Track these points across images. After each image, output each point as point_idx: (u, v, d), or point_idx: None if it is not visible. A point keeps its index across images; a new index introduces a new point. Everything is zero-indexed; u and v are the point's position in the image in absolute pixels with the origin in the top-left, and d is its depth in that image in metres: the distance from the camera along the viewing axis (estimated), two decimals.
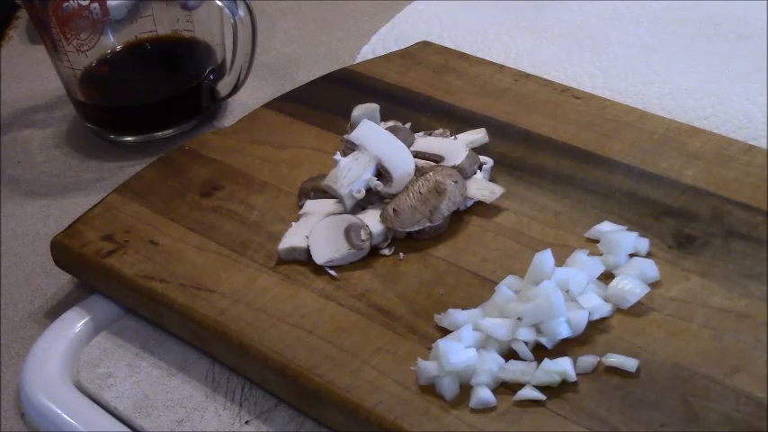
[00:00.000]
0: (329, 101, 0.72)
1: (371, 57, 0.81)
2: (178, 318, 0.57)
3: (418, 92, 0.73)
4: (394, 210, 0.59)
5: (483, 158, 0.64)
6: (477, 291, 0.55)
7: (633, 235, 0.56)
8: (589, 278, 0.54)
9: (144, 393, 0.56)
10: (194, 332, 0.57)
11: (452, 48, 0.79)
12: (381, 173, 0.61)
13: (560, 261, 0.55)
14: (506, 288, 0.53)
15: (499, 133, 0.67)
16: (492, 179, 0.63)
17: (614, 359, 0.50)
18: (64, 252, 0.64)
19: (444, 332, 0.53)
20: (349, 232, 0.59)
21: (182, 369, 0.57)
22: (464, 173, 0.61)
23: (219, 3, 0.72)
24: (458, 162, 0.62)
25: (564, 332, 0.51)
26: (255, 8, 0.72)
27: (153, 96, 0.77)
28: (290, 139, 0.70)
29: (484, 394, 0.49)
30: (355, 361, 0.52)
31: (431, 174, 0.60)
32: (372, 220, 0.60)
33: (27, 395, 0.57)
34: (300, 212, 0.62)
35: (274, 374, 0.53)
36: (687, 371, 0.49)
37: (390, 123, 0.66)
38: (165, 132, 0.78)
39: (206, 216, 0.64)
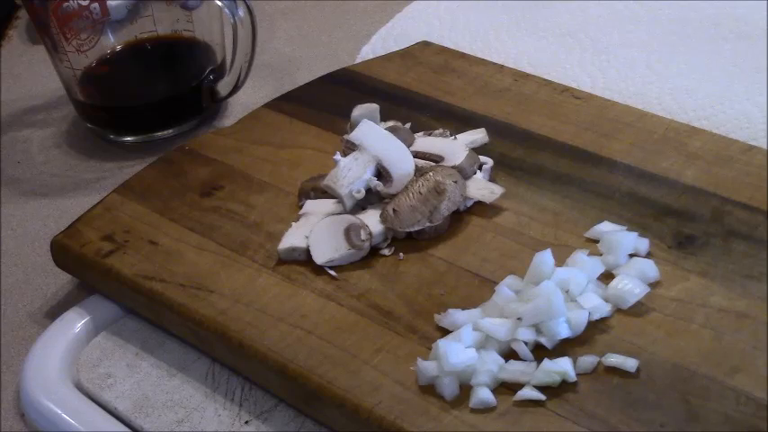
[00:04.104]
0: (329, 101, 0.72)
1: (371, 57, 0.81)
2: (178, 318, 0.57)
3: (418, 92, 0.73)
4: (394, 210, 0.59)
5: (483, 158, 0.64)
6: (477, 291, 0.55)
7: (633, 235, 0.56)
8: (589, 278, 0.54)
9: (144, 393, 0.56)
10: (194, 332, 0.57)
11: (452, 48, 0.79)
12: (381, 173, 0.61)
13: (560, 261, 0.55)
14: (506, 288, 0.53)
15: (499, 133, 0.67)
16: (492, 179, 0.63)
17: (614, 359, 0.50)
18: (64, 252, 0.64)
19: (444, 332, 0.53)
20: (349, 232, 0.59)
21: (182, 369, 0.57)
22: (464, 173, 0.61)
23: (219, 3, 0.72)
24: (458, 162, 0.62)
25: (564, 332, 0.51)
26: (255, 8, 0.72)
27: (153, 96, 0.77)
28: (290, 139, 0.70)
29: (484, 394, 0.49)
30: (355, 361, 0.52)
31: (431, 174, 0.60)
32: (372, 220, 0.60)
33: (27, 395, 0.57)
34: (300, 212, 0.62)
35: (274, 374, 0.53)
36: (687, 371, 0.49)
37: (390, 123, 0.66)
38: (165, 132, 0.78)
39: (206, 216, 0.64)
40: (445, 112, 0.70)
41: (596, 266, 0.54)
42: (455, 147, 0.63)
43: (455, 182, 0.60)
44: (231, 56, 0.75)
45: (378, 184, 0.61)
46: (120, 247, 0.62)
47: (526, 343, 0.51)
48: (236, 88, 0.76)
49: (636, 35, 0.80)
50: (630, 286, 0.53)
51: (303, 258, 0.59)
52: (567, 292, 0.53)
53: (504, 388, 0.50)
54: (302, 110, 0.72)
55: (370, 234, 0.59)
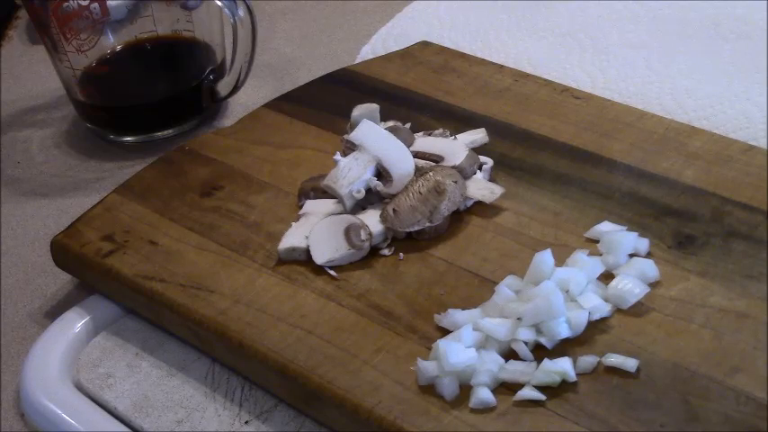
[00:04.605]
0: (329, 101, 0.72)
1: (371, 57, 0.81)
2: (178, 318, 0.57)
3: (418, 92, 0.73)
4: (394, 210, 0.59)
5: (483, 158, 0.64)
6: (477, 291, 0.55)
7: (633, 235, 0.56)
8: (589, 278, 0.54)
9: (144, 393, 0.56)
10: (194, 332, 0.57)
11: (452, 48, 0.79)
12: (381, 173, 0.61)
13: (560, 261, 0.55)
14: (506, 288, 0.53)
15: (499, 133, 0.67)
16: (492, 179, 0.63)
17: (614, 359, 0.50)
18: (64, 252, 0.64)
19: (444, 332, 0.53)
20: (349, 232, 0.59)
21: (182, 369, 0.57)
22: (464, 173, 0.61)
23: (219, 3, 0.72)
24: (458, 162, 0.62)
25: (564, 332, 0.51)
26: (255, 8, 0.72)
27: (153, 96, 0.77)
28: (290, 139, 0.70)
29: (484, 394, 0.49)
30: (355, 361, 0.52)
31: (431, 174, 0.60)
32: (372, 220, 0.60)
33: (27, 395, 0.57)
34: (300, 212, 0.62)
35: (274, 374, 0.53)
36: (687, 371, 0.49)
37: (390, 123, 0.66)
38: (165, 132, 0.78)
39: (206, 216, 0.64)
40: (445, 112, 0.70)
41: (596, 266, 0.54)
42: (455, 147, 0.63)
43: (455, 182, 0.60)
44: (231, 56, 0.75)
45: (378, 184, 0.61)
46: (120, 247, 0.62)
47: (526, 343, 0.51)
48: (236, 88, 0.76)
49: (636, 35, 0.80)
50: (630, 286, 0.53)
51: (303, 258, 0.59)
52: (567, 292, 0.53)
53: (504, 388, 0.50)
54: (302, 110, 0.72)
55: (370, 234, 0.59)
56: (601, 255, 0.56)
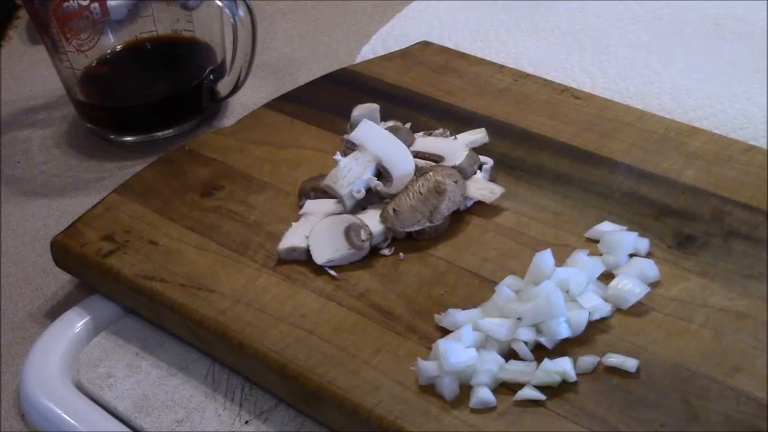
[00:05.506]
0: (329, 101, 0.72)
1: (371, 57, 0.81)
2: (178, 318, 0.57)
3: (418, 92, 0.73)
4: (394, 210, 0.59)
5: (483, 158, 0.64)
6: (477, 291, 0.55)
7: (633, 235, 0.56)
8: (589, 278, 0.54)
9: (144, 393, 0.56)
10: (194, 332, 0.57)
11: (452, 48, 0.79)
12: (381, 173, 0.61)
13: (560, 261, 0.55)
14: (506, 288, 0.53)
15: (499, 133, 0.67)
16: (492, 179, 0.63)
17: (614, 359, 0.50)
18: (64, 252, 0.64)
19: (444, 332, 0.53)
20: (349, 232, 0.59)
21: (182, 369, 0.57)
22: (464, 173, 0.61)
23: (219, 3, 0.72)
24: (458, 162, 0.62)
25: (564, 332, 0.51)
26: (255, 8, 0.72)
27: (153, 96, 0.77)
28: (290, 139, 0.70)
29: (484, 394, 0.49)
30: (355, 361, 0.52)
31: (431, 174, 0.60)
32: (372, 220, 0.60)
33: (27, 395, 0.57)
34: (300, 212, 0.62)
35: (274, 374, 0.53)
36: (687, 371, 0.49)
37: (390, 123, 0.66)
38: (165, 132, 0.78)
39: (206, 216, 0.64)
40: (445, 112, 0.70)
41: (596, 266, 0.54)
42: (455, 147, 0.63)
43: (455, 182, 0.60)
44: (231, 56, 0.75)
45: (378, 184, 0.61)
46: (120, 247, 0.62)
47: (526, 343, 0.51)
48: (236, 88, 0.76)
49: (636, 35, 0.80)
50: (630, 286, 0.53)
51: (303, 258, 0.59)
52: (567, 292, 0.53)
53: (504, 388, 0.50)
54: (302, 110, 0.72)
55: (370, 234, 0.59)
56: (601, 255, 0.56)
